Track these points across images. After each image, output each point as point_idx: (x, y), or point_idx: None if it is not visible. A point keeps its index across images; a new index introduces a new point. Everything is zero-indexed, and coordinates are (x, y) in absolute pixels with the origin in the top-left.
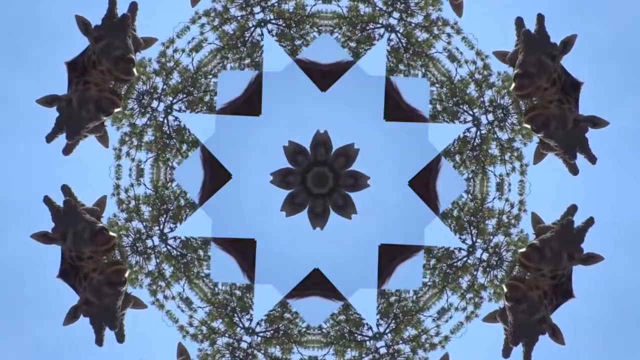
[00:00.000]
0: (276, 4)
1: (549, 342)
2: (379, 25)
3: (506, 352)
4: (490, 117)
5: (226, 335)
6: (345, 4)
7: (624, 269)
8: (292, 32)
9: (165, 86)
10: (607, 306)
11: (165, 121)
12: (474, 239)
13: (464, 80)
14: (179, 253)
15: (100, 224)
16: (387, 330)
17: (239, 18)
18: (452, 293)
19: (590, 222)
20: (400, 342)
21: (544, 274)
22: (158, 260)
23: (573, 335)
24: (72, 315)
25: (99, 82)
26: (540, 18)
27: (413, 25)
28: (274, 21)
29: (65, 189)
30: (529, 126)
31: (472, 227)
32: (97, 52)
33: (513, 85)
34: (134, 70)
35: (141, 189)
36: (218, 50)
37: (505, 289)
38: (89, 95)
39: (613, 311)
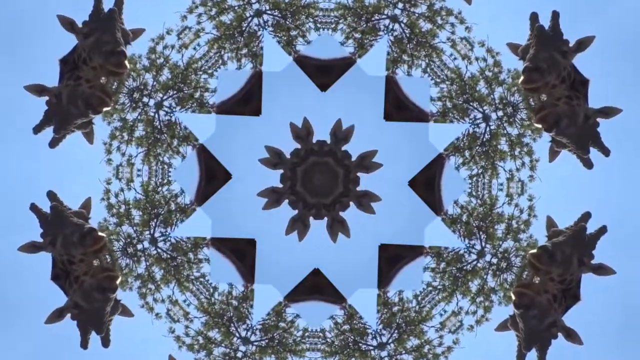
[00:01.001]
0: None
1: (562, 346)
2: (384, 16)
3: (520, 358)
4: (500, 114)
5: (222, 345)
6: None
7: (635, 272)
8: (287, 22)
9: (155, 83)
10: (618, 310)
11: (157, 116)
12: (483, 244)
13: (474, 77)
14: (169, 256)
15: (89, 225)
16: (390, 341)
17: (236, 8)
18: (462, 297)
19: (602, 230)
20: (403, 352)
21: (552, 277)
22: (148, 263)
23: (585, 340)
24: (57, 315)
25: (90, 79)
26: (555, 15)
27: (417, 15)
28: (269, 12)
29: (51, 195)
30: (540, 126)
31: (481, 232)
32: (87, 49)
33: (521, 78)
34: (126, 62)
35: (131, 193)
36: (215, 40)
37: (513, 297)
38: (79, 91)
39: (623, 315)
